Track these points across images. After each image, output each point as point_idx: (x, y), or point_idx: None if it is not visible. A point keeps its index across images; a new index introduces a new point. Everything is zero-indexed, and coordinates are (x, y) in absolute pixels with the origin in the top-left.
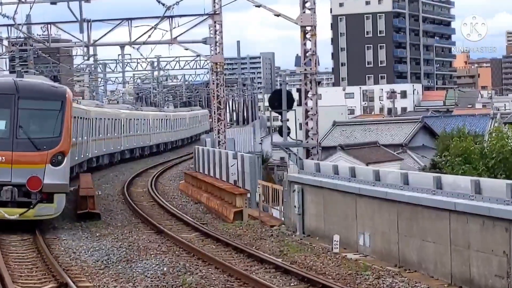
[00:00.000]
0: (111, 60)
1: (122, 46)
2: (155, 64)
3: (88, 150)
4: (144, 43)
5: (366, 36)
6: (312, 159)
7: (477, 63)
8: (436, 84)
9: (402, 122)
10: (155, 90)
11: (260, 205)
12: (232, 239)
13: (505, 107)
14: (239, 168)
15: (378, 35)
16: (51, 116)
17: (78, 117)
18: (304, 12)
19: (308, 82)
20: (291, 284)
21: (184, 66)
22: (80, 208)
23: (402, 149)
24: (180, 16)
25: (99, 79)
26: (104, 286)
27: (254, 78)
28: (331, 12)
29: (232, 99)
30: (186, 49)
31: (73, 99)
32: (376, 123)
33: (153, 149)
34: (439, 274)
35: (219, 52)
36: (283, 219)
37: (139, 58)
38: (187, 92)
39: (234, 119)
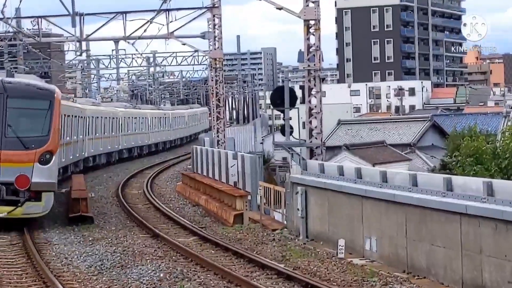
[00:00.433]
0: (104, 55)
1: (116, 41)
2: (151, 60)
3: (84, 149)
4: (140, 37)
5: (372, 30)
6: (316, 159)
7: (489, 59)
8: (446, 80)
9: (411, 121)
10: (151, 87)
11: (262, 208)
12: (232, 244)
13: None
14: (239, 169)
15: (385, 29)
16: (39, 115)
17: (72, 115)
18: (307, 5)
19: (312, 79)
20: None
21: (181, 62)
22: (72, 211)
23: (410, 149)
24: (177, 9)
25: (92, 76)
26: None
27: (255, 74)
28: (335, 5)
29: (232, 97)
30: (184, 44)
31: (69, 98)
32: (383, 122)
33: (151, 148)
34: (449, 280)
35: (218, 47)
36: (285, 222)
37: (134, 54)
38: (184, 89)
39: (234, 117)
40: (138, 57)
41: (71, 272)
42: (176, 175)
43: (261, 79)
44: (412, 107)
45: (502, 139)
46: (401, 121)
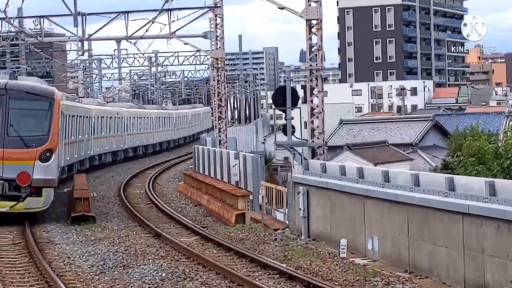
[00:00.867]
0: (106, 55)
1: (118, 40)
2: (153, 59)
3: (90, 148)
4: (142, 37)
5: (374, 30)
6: (318, 159)
7: (491, 59)
8: (448, 80)
9: (412, 121)
10: (153, 86)
11: (263, 208)
12: (234, 243)
13: None
14: (241, 169)
15: (387, 29)
16: (40, 115)
17: (77, 115)
18: (309, 5)
19: (314, 79)
20: None
21: (183, 61)
22: (74, 210)
23: (412, 148)
24: (179, 9)
25: (94, 76)
26: None
27: (257, 74)
28: (337, 4)
29: (234, 96)
30: (186, 44)
31: (75, 99)
32: (385, 122)
33: (156, 147)
34: (451, 280)
35: (220, 47)
36: (287, 222)
37: (136, 53)
38: (186, 89)
39: (236, 117)
40: (140, 57)
41: (73, 271)
42: (178, 175)
43: (263, 79)
44: (414, 107)
45: (504, 139)
46: (403, 121)
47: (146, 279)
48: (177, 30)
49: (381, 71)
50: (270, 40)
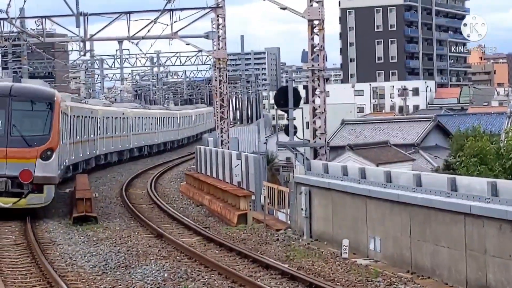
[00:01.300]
0: (108, 55)
1: (120, 41)
2: (155, 60)
3: (96, 147)
4: (143, 37)
5: (376, 30)
6: (320, 159)
7: (493, 59)
8: (450, 80)
9: (414, 121)
10: (155, 87)
11: (265, 208)
12: (236, 244)
13: None
14: (243, 169)
15: (389, 29)
16: (41, 116)
17: (83, 116)
18: (311, 5)
19: (316, 79)
20: None
21: (185, 62)
22: (77, 211)
23: (414, 149)
24: (181, 9)
25: (96, 76)
26: None
27: (259, 74)
28: (339, 5)
29: (236, 97)
30: (187, 44)
31: (81, 100)
32: (387, 122)
33: (160, 147)
34: (453, 280)
35: (222, 47)
36: (289, 222)
37: (138, 54)
38: (188, 89)
39: (238, 117)
40: (142, 57)
41: (75, 272)
42: (179, 175)
43: (265, 79)
44: (416, 107)
45: (506, 139)
46: (404, 121)
47: (148, 280)
48: (179, 30)
49: (383, 72)
50: (272, 41)
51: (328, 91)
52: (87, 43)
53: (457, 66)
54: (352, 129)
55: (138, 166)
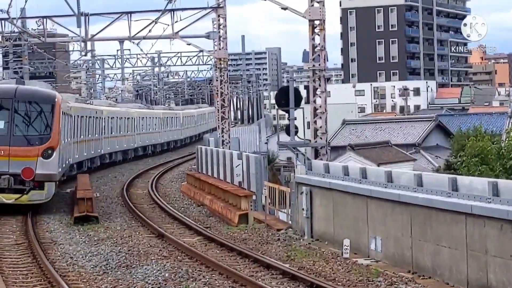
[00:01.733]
0: (109, 55)
1: (121, 41)
2: (156, 60)
3: (101, 147)
4: (144, 38)
5: (377, 30)
6: (321, 159)
7: (494, 59)
8: (451, 80)
9: (415, 121)
10: (156, 87)
11: (266, 208)
12: (237, 244)
13: None
14: (244, 169)
15: (390, 29)
16: (42, 117)
17: (87, 116)
18: (312, 5)
19: (317, 79)
20: None
21: (186, 62)
22: (78, 210)
23: (415, 149)
24: (182, 9)
25: (97, 76)
26: None
27: (260, 74)
28: (340, 5)
29: (237, 97)
30: (188, 44)
31: (86, 100)
32: (388, 122)
33: (164, 146)
34: (454, 280)
35: (223, 47)
36: (290, 222)
37: (139, 54)
38: (189, 89)
39: (239, 117)
40: (143, 57)
41: (76, 272)
42: (180, 175)
43: (266, 79)
44: (417, 107)
45: (507, 139)
46: (405, 121)
47: (149, 280)
48: (180, 30)
49: (384, 72)
50: (273, 41)
51: (329, 91)
52: (88, 43)
53: (458, 66)
54: (353, 129)
55: (139, 166)
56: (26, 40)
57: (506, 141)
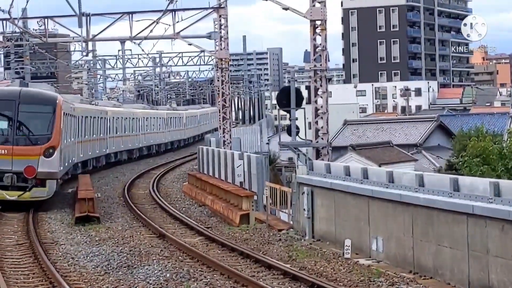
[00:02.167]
0: (111, 56)
1: (122, 41)
2: (157, 60)
3: (106, 146)
4: (146, 38)
5: (378, 30)
6: (322, 159)
7: (496, 59)
8: (453, 81)
9: (417, 121)
10: (157, 87)
11: (268, 208)
12: (238, 244)
13: None
14: (245, 169)
15: (391, 29)
16: (44, 118)
17: (91, 116)
18: (314, 6)
19: (318, 79)
20: None
21: (187, 62)
22: (79, 211)
23: (416, 149)
24: (184, 9)
25: (98, 76)
26: None
27: (261, 74)
28: (341, 5)
29: (238, 97)
30: (190, 45)
31: (91, 101)
32: (389, 122)
33: (168, 146)
34: (456, 280)
35: (224, 48)
36: (291, 222)
37: (140, 54)
38: (190, 89)
39: (240, 117)
40: (144, 58)
41: (77, 272)
42: (182, 176)
43: (267, 79)
44: (418, 108)
45: (509, 139)
46: (407, 122)
47: (150, 280)
48: (181, 30)
49: (385, 72)
50: (274, 41)
51: (331, 91)
52: (90, 44)
53: (459, 66)
54: (354, 129)
55: (141, 166)
56: (28, 40)
57: (508, 141)
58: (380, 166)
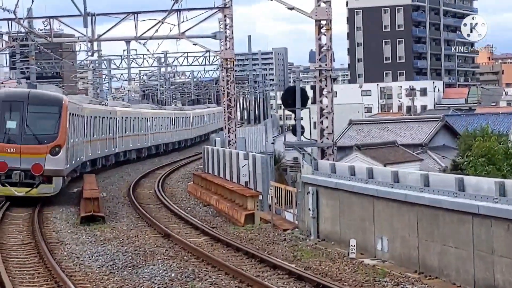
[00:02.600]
0: (116, 56)
1: (127, 41)
2: (162, 60)
3: (115, 145)
4: (151, 38)
5: (384, 30)
6: (327, 159)
7: (501, 59)
8: (458, 81)
9: (422, 121)
10: (162, 87)
11: (273, 208)
12: (243, 244)
13: None
14: (250, 169)
15: (397, 29)
16: (51, 118)
17: (100, 117)
18: (319, 5)
19: (323, 79)
20: None
21: (192, 62)
22: (84, 210)
23: (422, 149)
24: (189, 9)
25: (104, 76)
26: None
27: (266, 74)
28: (347, 5)
29: (243, 97)
30: (195, 44)
31: (100, 102)
32: (395, 122)
33: (175, 145)
34: (461, 280)
35: (229, 48)
36: (296, 222)
37: (146, 54)
38: (195, 89)
39: (245, 117)
40: (149, 57)
41: (83, 272)
42: (187, 175)
43: (272, 79)
44: (423, 107)
45: None
46: (412, 121)
47: (155, 279)
48: (186, 30)
49: (390, 72)
50: (279, 41)
51: (336, 91)
52: (95, 43)
53: (465, 66)
54: (359, 129)
55: (146, 166)
56: (33, 40)
57: None
58: (385, 166)
